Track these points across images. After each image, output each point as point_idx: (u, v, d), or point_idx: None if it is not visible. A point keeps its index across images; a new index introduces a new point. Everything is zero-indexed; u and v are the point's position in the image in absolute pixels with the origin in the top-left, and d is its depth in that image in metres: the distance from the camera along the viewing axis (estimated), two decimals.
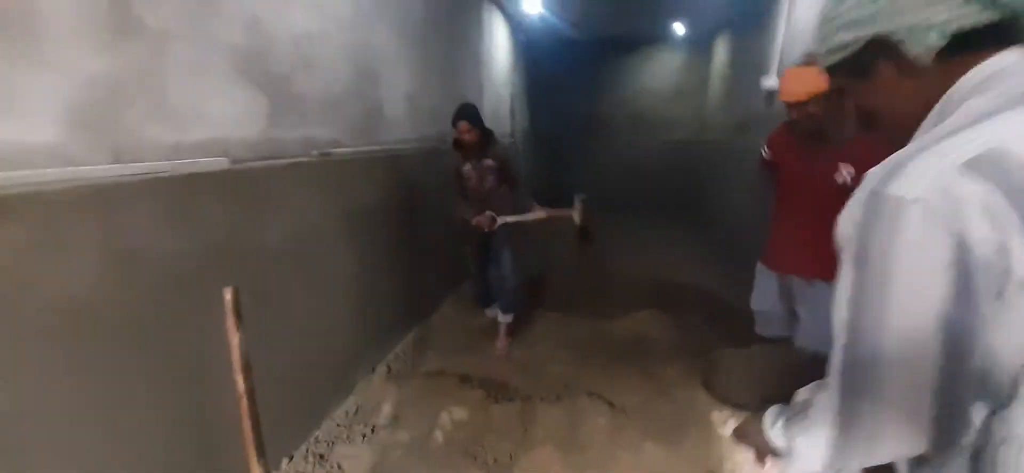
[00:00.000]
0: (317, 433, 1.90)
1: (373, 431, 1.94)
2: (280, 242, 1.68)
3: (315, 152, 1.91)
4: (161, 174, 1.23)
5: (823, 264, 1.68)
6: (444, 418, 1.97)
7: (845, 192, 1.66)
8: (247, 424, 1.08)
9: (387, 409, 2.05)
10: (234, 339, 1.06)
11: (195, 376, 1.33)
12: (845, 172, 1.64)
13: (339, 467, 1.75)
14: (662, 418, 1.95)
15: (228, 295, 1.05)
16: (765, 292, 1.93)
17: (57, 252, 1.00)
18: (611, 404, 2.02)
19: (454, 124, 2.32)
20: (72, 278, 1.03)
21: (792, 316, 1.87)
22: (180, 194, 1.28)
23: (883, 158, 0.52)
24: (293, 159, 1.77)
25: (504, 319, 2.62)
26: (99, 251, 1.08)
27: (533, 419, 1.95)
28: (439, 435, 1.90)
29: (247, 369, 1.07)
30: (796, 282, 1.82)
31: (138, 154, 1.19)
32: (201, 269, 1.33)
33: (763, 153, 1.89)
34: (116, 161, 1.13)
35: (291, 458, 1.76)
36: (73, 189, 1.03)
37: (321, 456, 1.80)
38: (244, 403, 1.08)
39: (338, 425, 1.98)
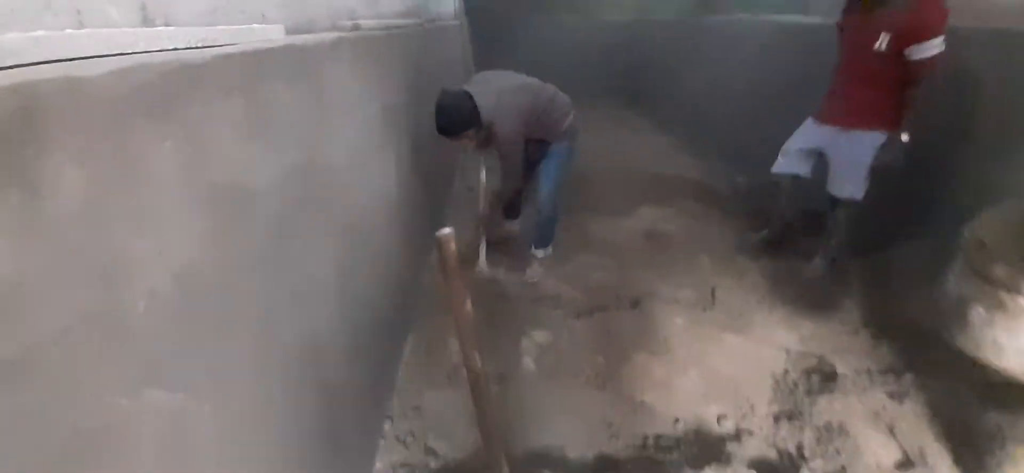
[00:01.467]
0: (397, 378, 1.77)
1: (452, 372, 1.84)
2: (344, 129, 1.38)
3: (350, 22, 1.55)
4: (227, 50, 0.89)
5: (859, 117, 2.04)
6: (526, 344, 1.95)
7: (881, 58, 1.94)
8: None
9: (456, 345, 1.96)
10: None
11: None
12: (883, 39, 1.94)
13: (442, 415, 1.67)
14: (724, 309, 2.15)
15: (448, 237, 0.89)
16: (802, 135, 2.32)
17: None
18: (677, 302, 2.16)
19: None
20: None
21: (807, 160, 2.32)
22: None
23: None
24: (337, 33, 1.42)
25: (537, 254, 2.51)
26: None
27: (614, 330, 2.01)
28: (529, 362, 1.88)
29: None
30: (832, 133, 2.20)
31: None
32: None
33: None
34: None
35: (391, 419, 1.63)
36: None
37: (416, 408, 1.69)
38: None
39: (411, 367, 1.85)
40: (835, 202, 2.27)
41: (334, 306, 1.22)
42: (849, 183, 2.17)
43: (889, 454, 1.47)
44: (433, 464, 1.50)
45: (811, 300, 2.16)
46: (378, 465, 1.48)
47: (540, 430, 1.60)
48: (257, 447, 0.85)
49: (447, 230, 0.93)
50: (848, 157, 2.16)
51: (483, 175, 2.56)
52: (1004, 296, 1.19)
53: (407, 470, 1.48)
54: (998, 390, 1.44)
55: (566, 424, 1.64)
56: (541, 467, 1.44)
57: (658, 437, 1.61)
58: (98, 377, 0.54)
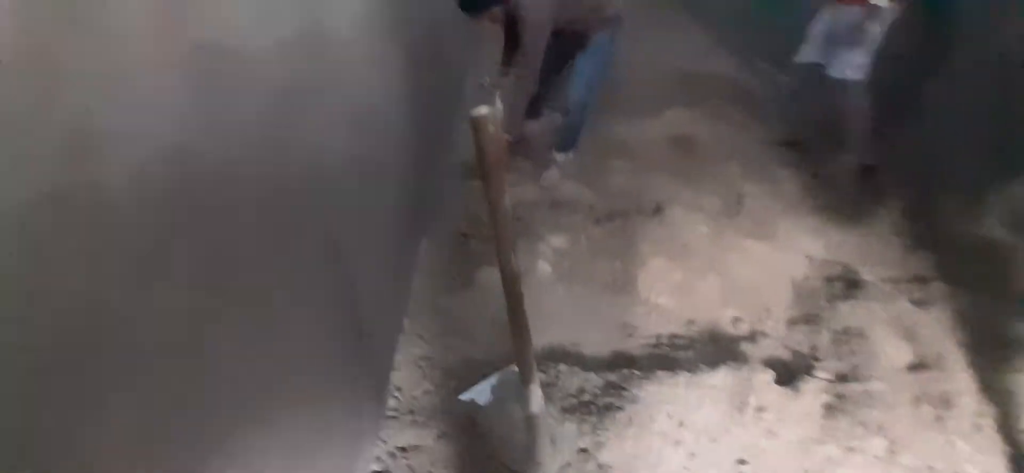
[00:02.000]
0: (413, 280, 1.82)
1: (468, 277, 1.87)
2: None
3: None
4: None
5: None
6: (542, 248, 1.96)
7: None
8: None
9: (472, 247, 1.98)
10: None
11: None
12: None
13: (457, 314, 1.73)
14: (748, 216, 2.10)
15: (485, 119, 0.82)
16: (822, 21, 2.26)
17: None
18: (701, 209, 2.11)
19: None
20: None
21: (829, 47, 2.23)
22: None
23: None
24: None
25: (558, 158, 2.39)
26: None
27: (634, 235, 1.99)
28: (545, 266, 1.90)
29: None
30: (832, 9, 2.20)
31: None
32: None
33: None
34: None
35: (408, 318, 1.70)
36: None
37: (433, 308, 1.75)
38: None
39: (425, 272, 1.90)
40: (843, 88, 2.20)
41: (348, 199, 1.21)
42: (846, 64, 2.13)
43: (903, 357, 1.49)
44: (451, 358, 1.57)
45: (843, 209, 2.09)
46: (398, 357, 1.57)
47: (555, 329, 1.65)
48: (278, 342, 0.88)
49: (484, 109, 0.82)
50: (843, 33, 2.13)
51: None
52: None
53: (427, 362, 1.56)
54: None
55: (582, 324, 1.69)
56: (557, 362, 1.50)
57: (673, 337, 1.66)
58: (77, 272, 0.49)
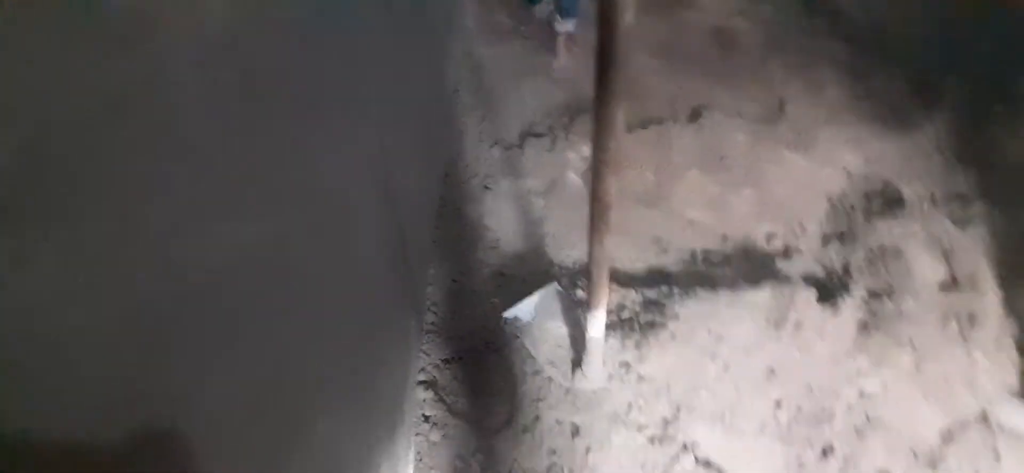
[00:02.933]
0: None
1: (485, 188, 1.82)
2: None
3: None
4: None
5: None
6: (571, 157, 1.90)
7: None
8: None
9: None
10: None
11: None
12: None
13: (488, 226, 1.71)
14: (789, 124, 2.04)
15: None
16: None
17: None
18: (740, 116, 2.03)
19: None
20: None
21: None
22: None
23: None
24: None
25: (563, 28, 2.21)
26: None
27: (669, 144, 1.93)
28: (573, 176, 1.86)
29: None
30: None
31: None
32: None
33: None
34: None
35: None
36: None
37: (466, 220, 1.72)
38: None
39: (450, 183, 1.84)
40: None
41: (387, 98, 1.12)
42: None
43: (937, 275, 1.54)
44: (485, 272, 1.58)
45: (888, 119, 2.03)
46: (432, 271, 1.57)
47: (585, 243, 1.65)
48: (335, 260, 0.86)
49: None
50: None
51: None
52: None
53: (462, 276, 1.57)
54: None
55: (613, 238, 1.68)
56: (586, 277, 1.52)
57: (706, 252, 1.68)
58: None
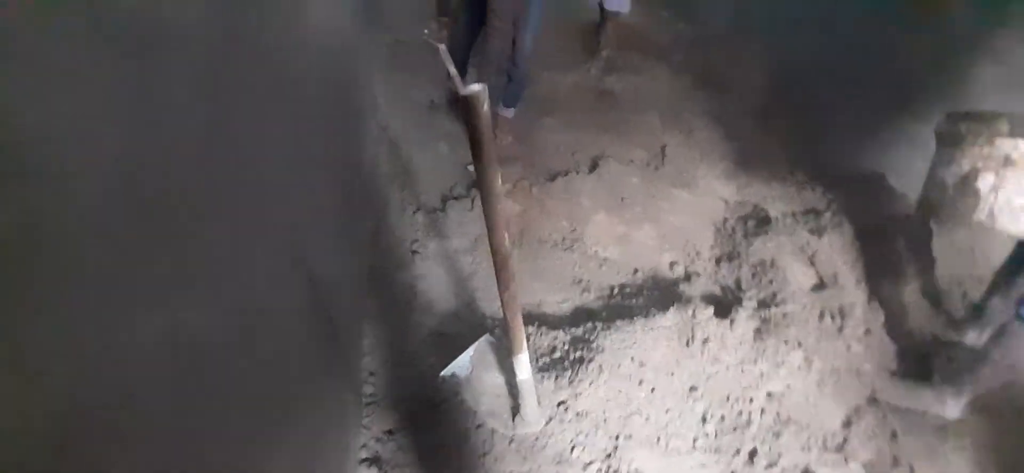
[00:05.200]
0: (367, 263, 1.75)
1: (413, 253, 1.83)
2: None
3: None
4: None
5: None
6: None
7: None
8: None
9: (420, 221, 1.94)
10: None
11: None
12: None
13: (419, 289, 1.70)
14: (672, 165, 2.28)
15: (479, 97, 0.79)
16: None
17: None
18: (631, 162, 2.24)
19: None
20: None
21: None
22: None
23: None
24: None
25: (507, 114, 2.35)
26: None
27: (577, 192, 2.08)
28: None
29: None
30: None
31: None
32: None
33: None
34: None
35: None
36: None
37: (397, 286, 1.70)
38: None
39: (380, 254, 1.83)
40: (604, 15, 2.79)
41: (302, 186, 1.10)
42: None
43: (809, 279, 1.77)
44: (420, 334, 1.56)
45: (748, 154, 2.34)
46: (367, 342, 1.52)
47: (519, 294, 1.70)
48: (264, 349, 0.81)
49: (477, 87, 0.78)
50: None
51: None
52: (1009, 149, 1.19)
53: (397, 342, 1.53)
54: (900, 222, 1.74)
55: (541, 285, 1.75)
56: (526, 324, 1.55)
57: (622, 286, 1.79)
58: None
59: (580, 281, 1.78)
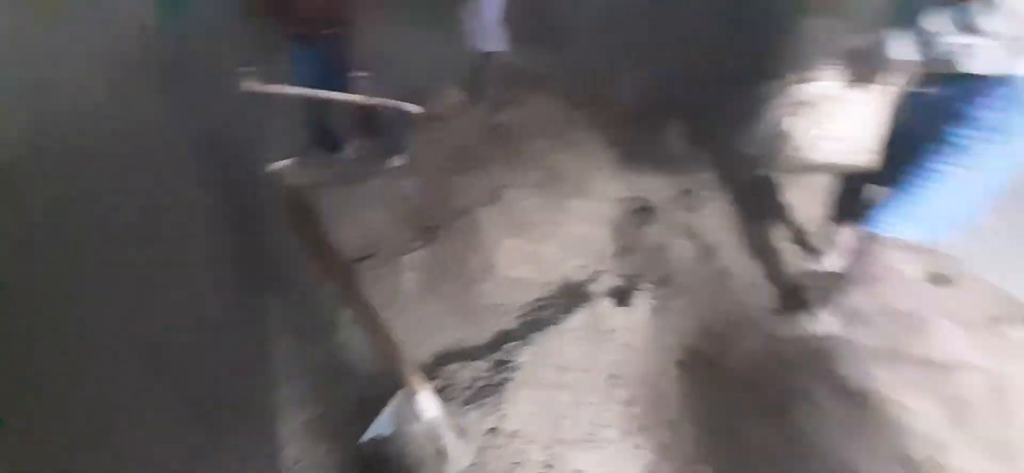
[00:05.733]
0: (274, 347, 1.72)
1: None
2: None
3: None
4: None
5: None
6: (406, 260, 2.02)
7: None
8: None
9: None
10: None
11: None
12: None
13: (337, 357, 1.69)
14: (567, 180, 2.45)
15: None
16: None
17: None
18: (528, 185, 2.39)
19: None
20: None
21: None
22: None
23: None
24: None
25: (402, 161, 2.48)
26: None
27: (483, 224, 2.17)
28: (410, 278, 1.97)
29: None
30: None
31: None
32: None
33: None
34: None
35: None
36: None
37: (310, 365, 1.68)
38: None
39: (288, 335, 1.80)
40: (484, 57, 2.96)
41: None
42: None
43: (692, 251, 1.96)
44: (343, 407, 1.54)
45: (631, 153, 2.58)
46: (286, 430, 1.48)
47: (438, 335, 1.74)
48: None
49: (287, 162, 0.84)
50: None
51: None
52: (801, 93, 1.34)
53: (318, 421, 1.50)
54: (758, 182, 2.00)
55: (458, 320, 1.80)
56: (448, 363, 1.60)
57: (537, 301, 1.88)
58: None
59: (497, 306, 1.84)
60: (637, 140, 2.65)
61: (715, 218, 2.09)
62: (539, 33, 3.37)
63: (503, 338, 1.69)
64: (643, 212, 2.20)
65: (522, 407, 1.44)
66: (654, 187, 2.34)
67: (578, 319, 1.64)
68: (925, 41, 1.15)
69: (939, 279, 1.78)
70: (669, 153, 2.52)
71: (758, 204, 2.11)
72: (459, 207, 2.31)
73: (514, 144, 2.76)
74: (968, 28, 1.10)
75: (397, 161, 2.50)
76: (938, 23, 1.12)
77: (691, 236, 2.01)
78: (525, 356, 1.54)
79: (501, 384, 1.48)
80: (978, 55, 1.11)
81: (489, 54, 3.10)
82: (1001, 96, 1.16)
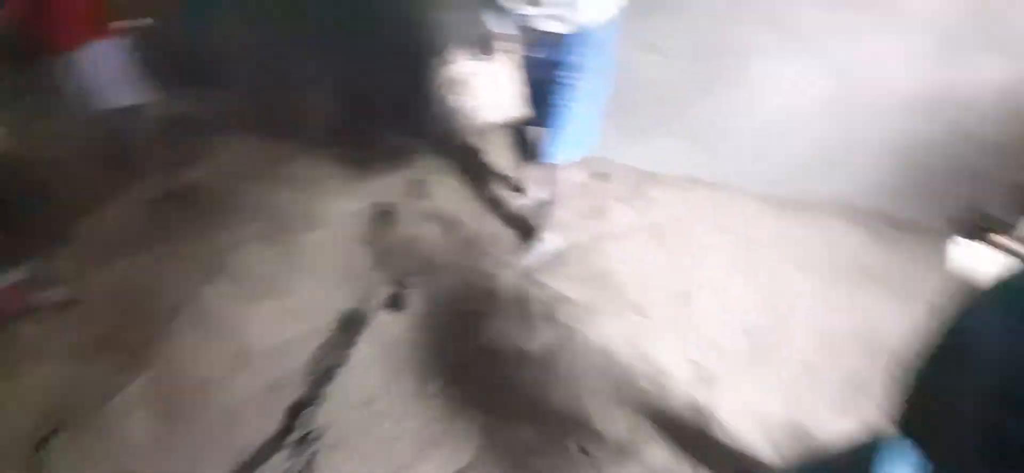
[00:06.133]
0: None
1: None
2: None
3: None
4: None
5: None
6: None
7: None
8: None
9: None
10: None
11: None
12: None
13: None
14: (296, 218, 2.26)
15: None
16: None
17: None
18: (259, 239, 2.12)
19: None
20: None
21: None
22: None
23: None
24: None
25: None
26: None
27: (204, 312, 1.83)
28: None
29: None
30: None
31: None
32: None
33: None
34: None
35: None
36: None
37: None
38: None
39: None
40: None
41: None
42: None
43: (438, 230, 2.15)
44: None
45: (358, 167, 2.53)
46: None
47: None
48: None
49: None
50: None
51: None
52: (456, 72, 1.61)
53: None
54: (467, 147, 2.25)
55: (226, 434, 1.51)
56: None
57: (314, 353, 1.72)
58: None
59: (271, 386, 1.62)
60: (346, 153, 2.62)
61: (446, 195, 2.31)
62: (194, 71, 2.88)
63: (293, 413, 1.52)
64: (385, 215, 2.25)
65: (345, 468, 1.35)
66: (384, 189, 2.40)
67: (364, 346, 1.61)
68: (510, 18, 1.50)
69: (601, 176, 2.44)
70: (397, 151, 2.59)
71: (472, 171, 2.43)
72: (170, 306, 1.87)
73: (216, 200, 2.37)
74: (534, 3, 1.48)
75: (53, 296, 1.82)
76: (514, 3, 1.47)
77: (433, 219, 2.18)
78: (325, 416, 1.44)
79: (311, 461, 1.35)
80: (546, 21, 1.51)
81: (131, 109, 2.42)
82: (576, 45, 1.61)
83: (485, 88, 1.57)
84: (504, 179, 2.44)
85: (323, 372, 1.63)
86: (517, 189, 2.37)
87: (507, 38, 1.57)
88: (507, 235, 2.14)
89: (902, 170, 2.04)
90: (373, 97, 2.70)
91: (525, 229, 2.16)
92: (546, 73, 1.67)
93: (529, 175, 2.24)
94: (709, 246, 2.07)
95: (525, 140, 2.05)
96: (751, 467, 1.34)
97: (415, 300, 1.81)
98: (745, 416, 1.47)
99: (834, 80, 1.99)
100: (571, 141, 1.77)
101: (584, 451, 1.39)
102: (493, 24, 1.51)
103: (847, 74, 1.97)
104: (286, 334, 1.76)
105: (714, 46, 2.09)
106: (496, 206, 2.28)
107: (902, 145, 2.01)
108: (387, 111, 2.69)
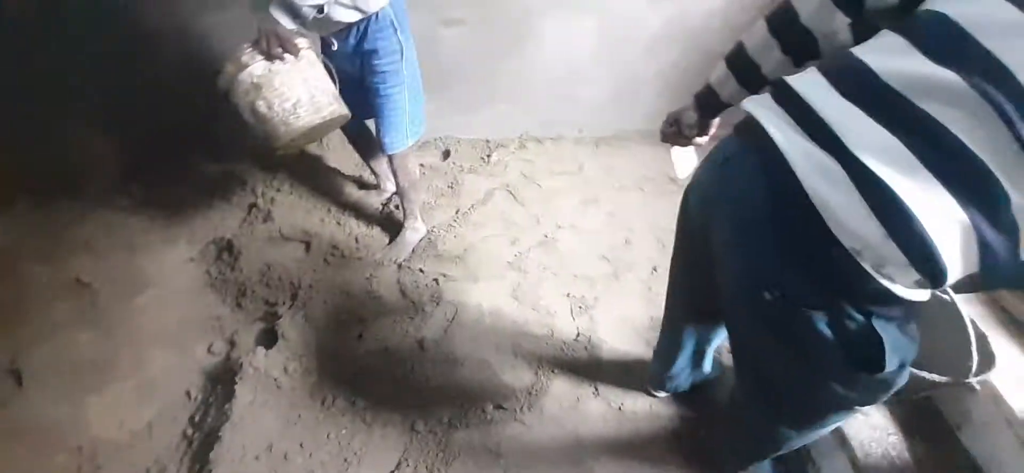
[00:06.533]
0: None
1: None
2: None
3: None
4: None
5: None
6: None
7: None
8: None
9: None
10: None
11: None
12: None
13: None
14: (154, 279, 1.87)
15: None
16: None
17: None
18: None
19: None
20: None
21: None
22: None
23: None
24: None
25: None
26: None
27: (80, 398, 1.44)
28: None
29: None
30: None
31: None
32: None
33: None
34: None
35: None
36: None
37: None
38: None
39: None
40: None
41: None
42: None
43: (301, 252, 1.98)
44: None
45: (184, 210, 2.16)
46: None
47: None
48: None
49: None
50: None
51: None
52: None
53: None
54: None
55: None
56: None
57: (184, 426, 1.50)
58: None
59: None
60: (155, 195, 2.22)
61: (291, 212, 2.13)
62: None
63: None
64: (226, 251, 1.99)
65: None
66: (216, 223, 2.11)
67: (244, 394, 1.45)
68: (300, 13, 1.37)
69: (445, 154, 2.50)
70: (200, 185, 2.26)
71: (313, 180, 2.28)
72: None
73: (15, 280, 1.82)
74: None
75: None
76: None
77: (285, 240, 2.01)
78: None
79: None
80: (340, 10, 1.43)
81: None
82: (376, 30, 1.56)
83: (294, 87, 1.42)
84: (350, 179, 2.34)
85: (205, 438, 1.43)
86: (366, 186, 2.30)
87: (301, 34, 1.44)
88: (370, 235, 2.08)
89: (669, 92, 2.48)
90: (167, 123, 2.30)
91: (387, 224, 2.12)
92: (356, 65, 1.61)
93: (376, 168, 2.19)
94: (555, 191, 2.30)
95: (359, 135, 1.99)
96: (634, 367, 1.60)
97: (290, 329, 1.68)
98: (621, 327, 1.74)
99: (602, 28, 2.31)
100: (404, 126, 1.74)
101: (500, 407, 1.50)
102: (282, 19, 1.36)
103: (609, 19, 2.29)
104: (144, 417, 1.49)
105: (506, 9, 2.24)
106: (349, 209, 2.18)
107: (666, 72, 2.45)
108: (190, 135, 2.33)
